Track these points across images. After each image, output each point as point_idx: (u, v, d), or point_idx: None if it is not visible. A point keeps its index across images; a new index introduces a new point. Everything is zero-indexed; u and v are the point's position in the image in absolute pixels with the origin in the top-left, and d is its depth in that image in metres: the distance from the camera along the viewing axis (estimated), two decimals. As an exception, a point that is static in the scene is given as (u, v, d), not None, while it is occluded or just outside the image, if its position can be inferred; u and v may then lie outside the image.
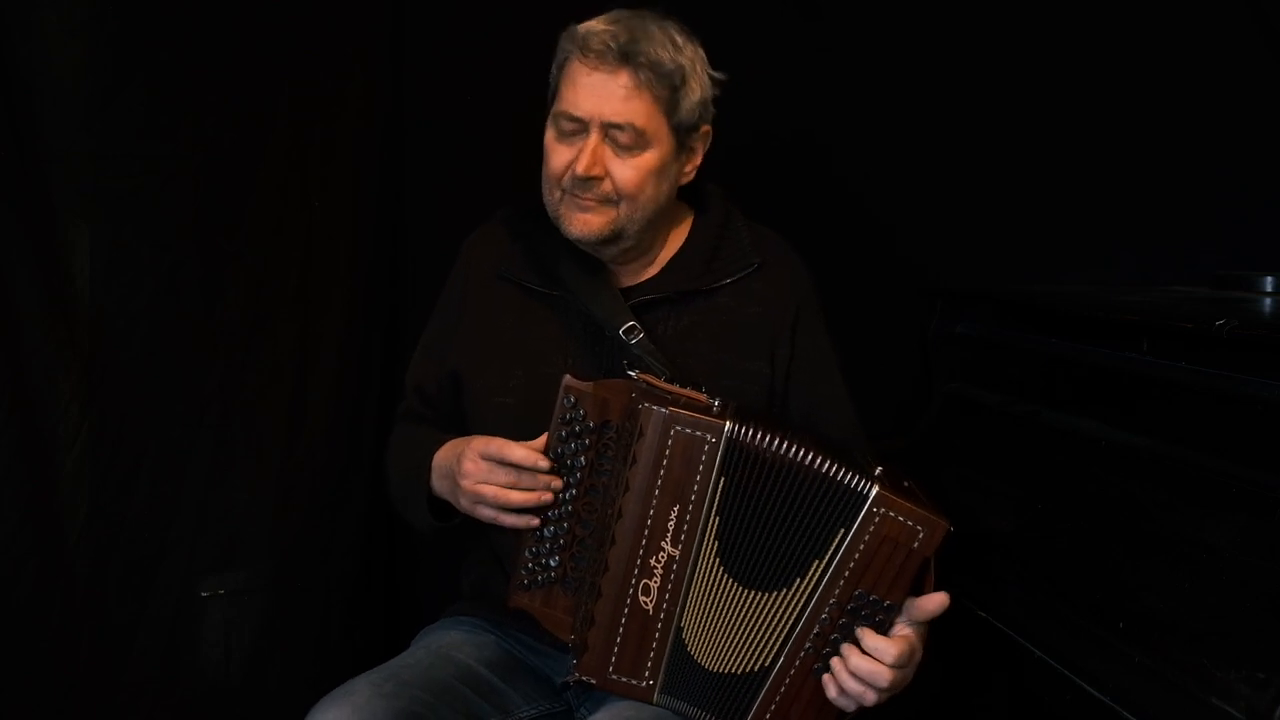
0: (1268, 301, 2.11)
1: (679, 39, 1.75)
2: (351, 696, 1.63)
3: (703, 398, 1.61)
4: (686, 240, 1.88)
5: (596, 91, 1.71)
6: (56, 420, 2.09)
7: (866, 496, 1.53)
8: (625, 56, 1.70)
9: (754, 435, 1.55)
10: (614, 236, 1.77)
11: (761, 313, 1.84)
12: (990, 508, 1.97)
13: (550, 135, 1.77)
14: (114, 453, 2.13)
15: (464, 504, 1.70)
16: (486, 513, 1.66)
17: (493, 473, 1.63)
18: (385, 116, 2.34)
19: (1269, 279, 2.15)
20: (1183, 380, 1.70)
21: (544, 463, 1.62)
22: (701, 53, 1.78)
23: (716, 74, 1.80)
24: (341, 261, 2.30)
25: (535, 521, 1.65)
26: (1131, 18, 2.47)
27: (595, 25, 1.74)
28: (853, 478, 1.54)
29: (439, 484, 1.77)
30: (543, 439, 1.64)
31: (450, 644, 1.80)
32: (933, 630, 1.61)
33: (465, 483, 1.66)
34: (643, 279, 1.87)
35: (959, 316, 2.34)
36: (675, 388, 1.63)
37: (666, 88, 1.72)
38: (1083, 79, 2.48)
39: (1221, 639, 1.42)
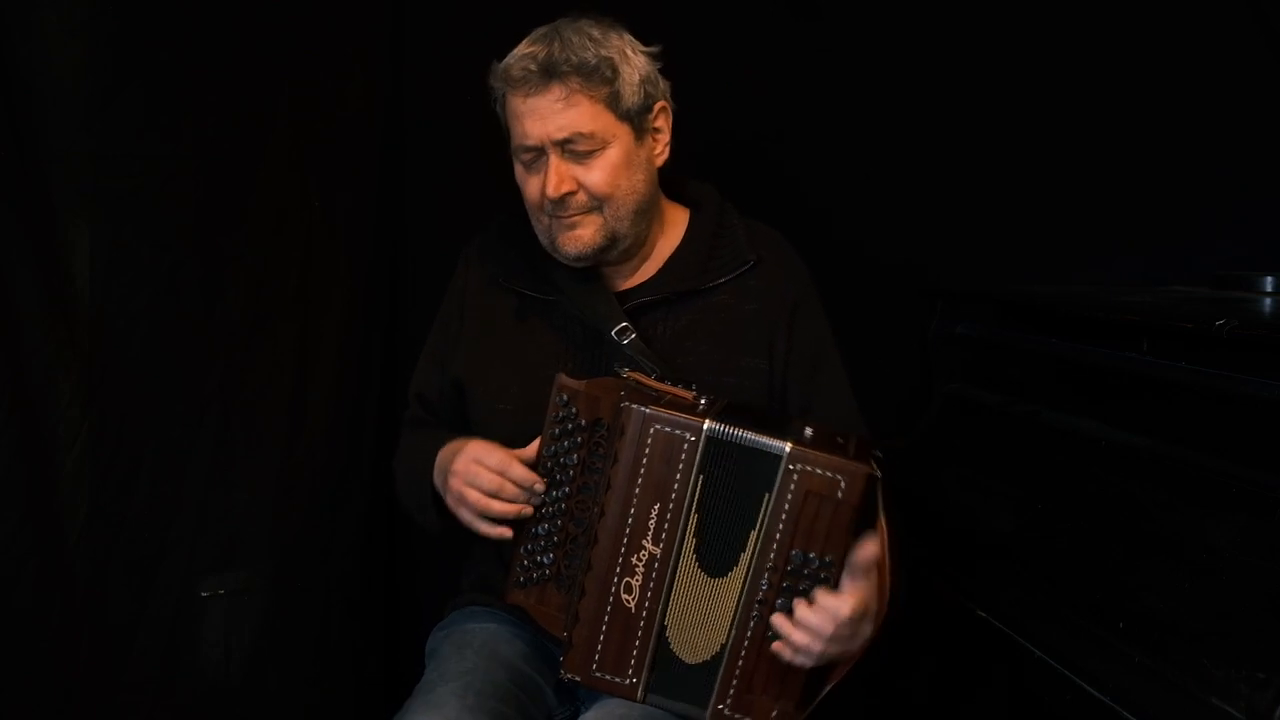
0: (1268, 301, 2.11)
1: (596, 33, 1.74)
2: (440, 709, 1.63)
3: (689, 396, 1.62)
4: (682, 240, 1.88)
5: (536, 115, 1.72)
6: (56, 420, 2.09)
7: (780, 455, 1.54)
8: (547, 72, 1.70)
9: (732, 431, 1.57)
10: (609, 243, 1.78)
11: (759, 309, 1.84)
12: (990, 508, 1.97)
13: (518, 170, 1.80)
14: (114, 453, 2.13)
15: (450, 502, 1.72)
16: (465, 515, 1.68)
17: (479, 477, 1.64)
18: (385, 116, 2.34)
19: (1269, 279, 2.16)
20: (1183, 380, 1.70)
21: (540, 485, 1.64)
22: (627, 36, 1.77)
23: (648, 49, 1.79)
24: (341, 261, 2.30)
25: (509, 533, 1.67)
26: (1131, 18, 2.47)
27: (515, 54, 1.75)
28: (769, 440, 1.55)
29: (438, 479, 1.78)
30: (537, 442, 1.65)
31: (489, 640, 1.80)
32: (932, 630, 1.61)
33: (454, 481, 1.68)
34: (639, 281, 1.87)
35: (959, 317, 2.34)
36: (664, 386, 1.65)
37: (600, 83, 1.72)
38: (1083, 79, 2.48)
39: (1221, 639, 1.42)
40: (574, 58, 1.70)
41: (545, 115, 1.71)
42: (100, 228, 2.10)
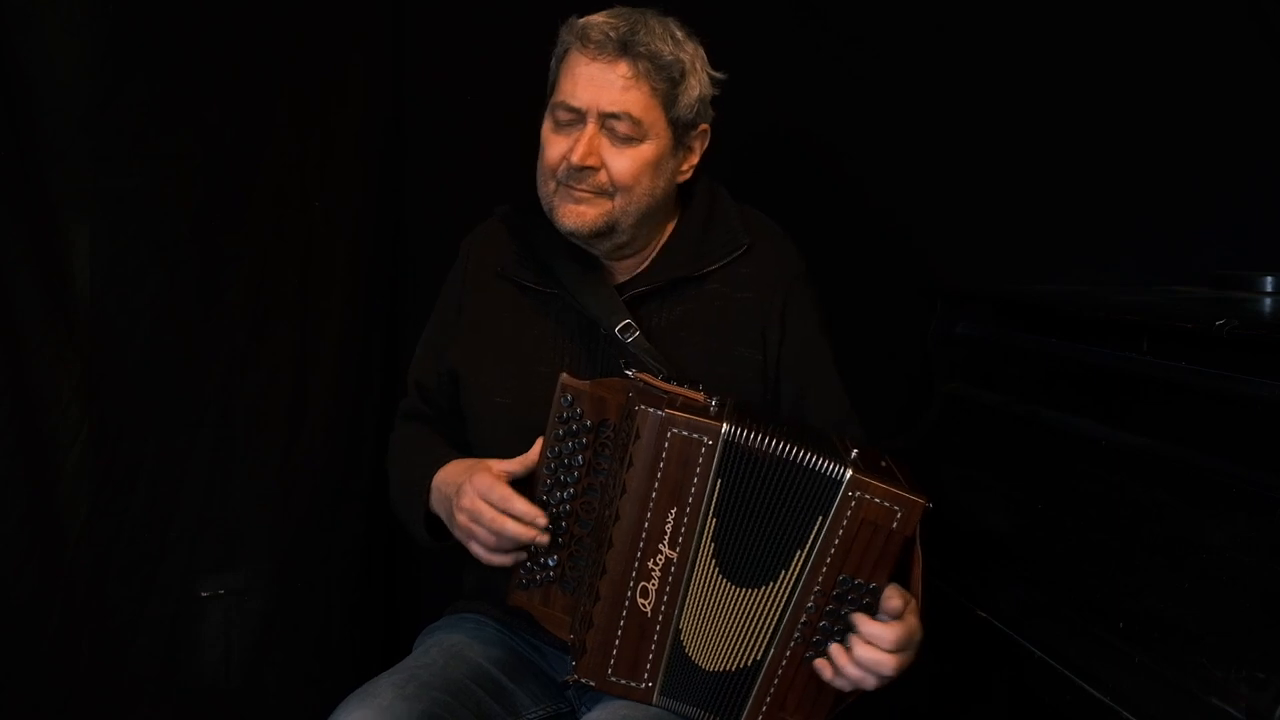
0: (1268, 301, 2.11)
1: (679, 34, 1.76)
2: (376, 698, 1.63)
3: (700, 397, 1.61)
4: (674, 228, 1.88)
5: (595, 81, 1.72)
6: (56, 420, 2.09)
7: (841, 481, 1.53)
8: (624, 47, 1.71)
9: (750, 436, 1.55)
10: (607, 229, 1.77)
11: (753, 297, 1.84)
12: (990, 508, 1.97)
13: (547, 126, 1.78)
14: (114, 453, 2.13)
15: (458, 534, 1.72)
16: (475, 548, 1.68)
17: (482, 515, 1.63)
18: (385, 116, 2.34)
19: (1269, 279, 2.15)
20: (1183, 380, 1.69)
21: (541, 520, 1.62)
22: (702, 52, 1.79)
23: (717, 74, 1.81)
24: (341, 261, 2.30)
25: (524, 557, 1.66)
26: (1132, 18, 2.47)
27: (596, 18, 1.75)
28: (827, 464, 1.54)
29: (437, 505, 1.78)
30: (538, 445, 1.65)
31: (460, 643, 1.81)
32: (931, 630, 1.61)
33: (460, 517, 1.68)
34: (636, 273, 1.87)
35: (959, 316, 2.33)
36: (673, 387, 1.63)
37: (665, 80, 1.73)
38: (1083, 79, 2.48)
39: (1221, 639, 1.42)
40: (653, 45, 1.72)
41: (603, 86, 1.71)
42: (100, 228, 2.10)
